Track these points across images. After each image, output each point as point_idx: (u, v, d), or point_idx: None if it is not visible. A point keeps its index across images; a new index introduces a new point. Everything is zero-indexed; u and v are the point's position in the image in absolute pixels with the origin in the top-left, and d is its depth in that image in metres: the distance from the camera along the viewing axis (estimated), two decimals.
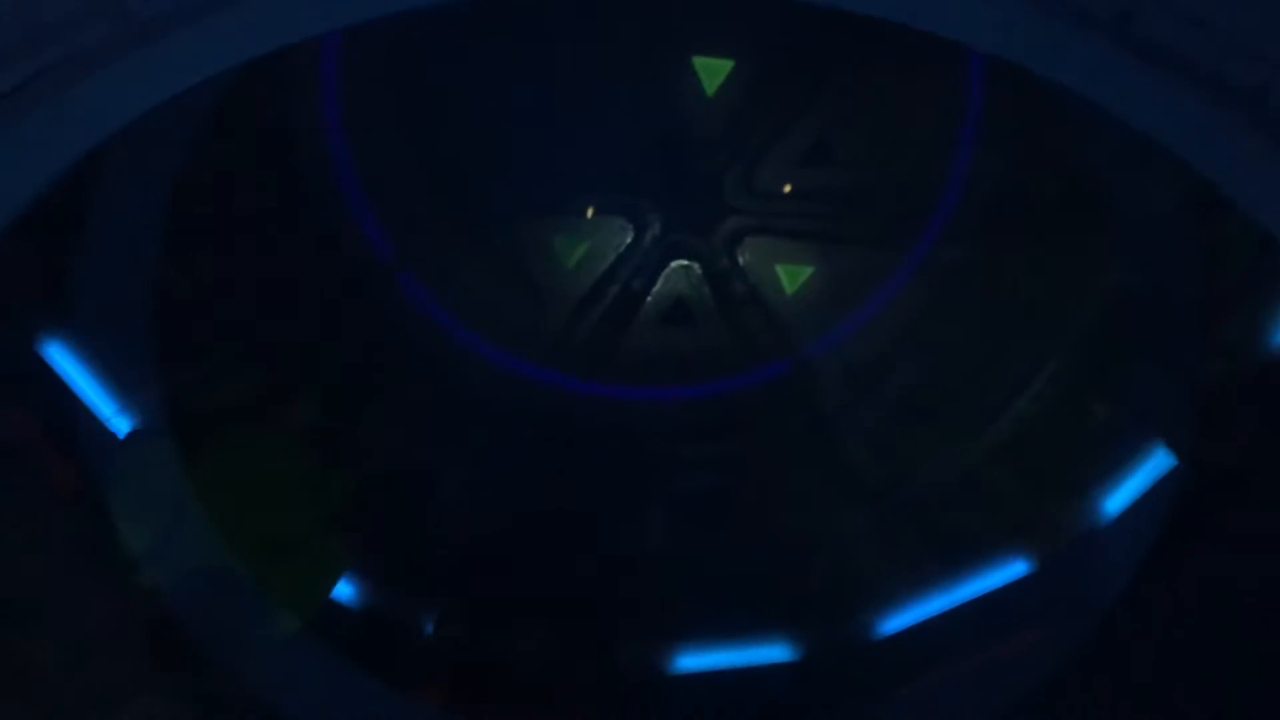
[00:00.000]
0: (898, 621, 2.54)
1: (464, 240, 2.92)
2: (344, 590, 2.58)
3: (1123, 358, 2.58)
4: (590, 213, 2.96)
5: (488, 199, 2.89)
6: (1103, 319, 2.64)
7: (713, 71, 2.92)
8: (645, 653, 2.56)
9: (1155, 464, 2.40)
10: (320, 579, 2.63)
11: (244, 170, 2.62)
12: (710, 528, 2.81)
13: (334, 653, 2.48)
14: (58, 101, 1.45)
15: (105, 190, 2.37)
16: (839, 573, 2.70)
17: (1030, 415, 2.68)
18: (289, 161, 2.75)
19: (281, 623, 2.52)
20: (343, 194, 2.79)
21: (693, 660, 2.55)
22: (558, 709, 2.44)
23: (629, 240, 2.99)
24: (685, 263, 3.00)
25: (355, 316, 2.84)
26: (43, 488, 2.29)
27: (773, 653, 2.53)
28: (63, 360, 2.37)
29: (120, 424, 2.38)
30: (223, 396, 2.62)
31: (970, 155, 2.86)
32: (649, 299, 2.99)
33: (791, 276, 3.01)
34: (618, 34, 2.79)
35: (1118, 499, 2.43)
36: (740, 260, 3.00)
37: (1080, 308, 2.68)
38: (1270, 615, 2.14)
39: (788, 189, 2.93)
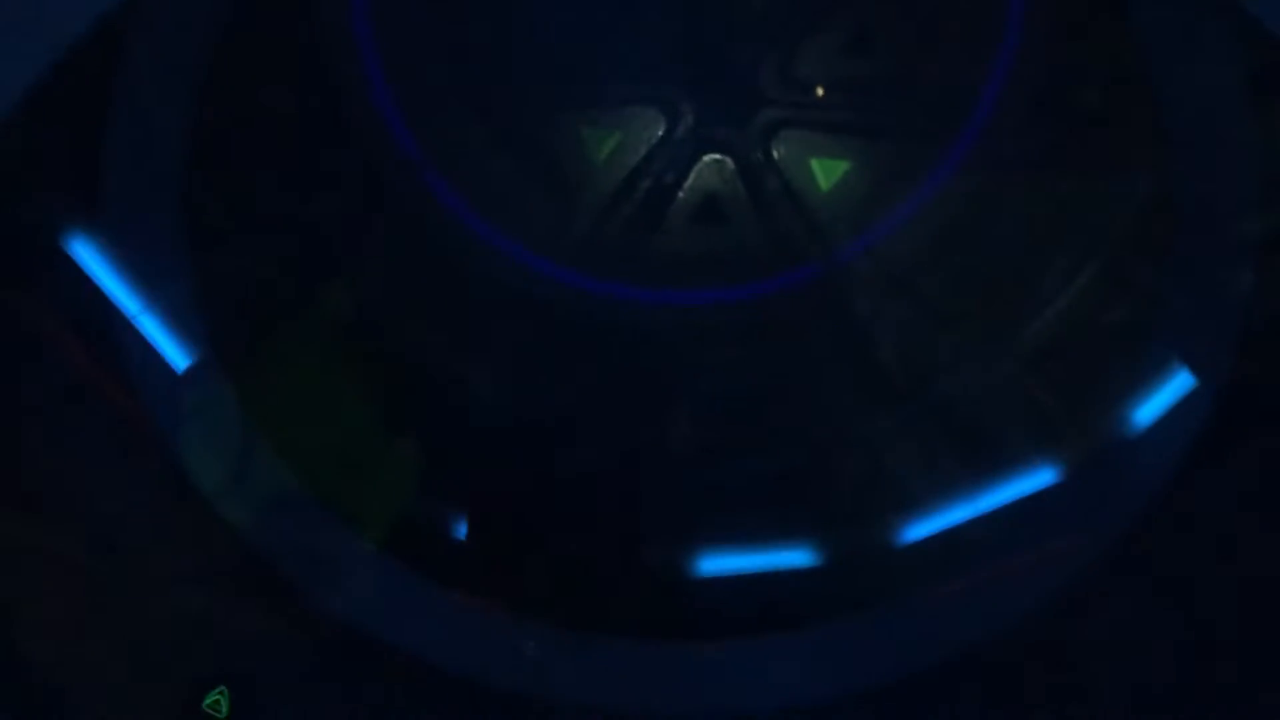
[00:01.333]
0: (923, 527, 2.56)
1: (491, 135, 2.86)
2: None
3: (1163, 268, 2.53)
4: (619, 111, 2.89)
5: (517, 93, 2.83)
6: (1146, 227, 2.57)
7: None
8: (669, 554, 2.60)
9: (1188, 378, 2.37)
10: (388, 489, 2.66)
11: (269, 64, 2.58)
12: (735, 431, 2.82)
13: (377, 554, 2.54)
14: None
15: (129, 83, 2.35)
16: (865, 477, 2.71)
17: (1064, 322, 2.64)
18: (315, 55, 2.70)
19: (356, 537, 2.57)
20: (368, 89, 2.74)
21: (716, 563, 2.59)
22: (582, 607, 2.50)
23: (660, 133, 2.92)
24: (718, 157, 2.94)
25: (380, 214, 2.82)
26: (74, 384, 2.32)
27: (797, 557, 2.56)
28: (89, 255, 2.38)
29: (146, 322, 2.39)
30: (253, 293, 2.63)
31: (1016, 46, 2.76)
32: (680, 195, 2.94)
33: (827, 172, 2.94)
34: None
35: (1149, 410, 2.41)
36: (775, 154, 2.93)
37: (1123, 213, 2.61)
38: None
39: (821, 85, 2.84)
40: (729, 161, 2.93)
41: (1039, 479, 2.48)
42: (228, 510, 2.37)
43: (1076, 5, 2.67)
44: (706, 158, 2.93)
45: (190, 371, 2.44)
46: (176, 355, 2.41)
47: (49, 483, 2.17)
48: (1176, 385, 2.39)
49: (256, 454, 2.48)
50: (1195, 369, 2.37)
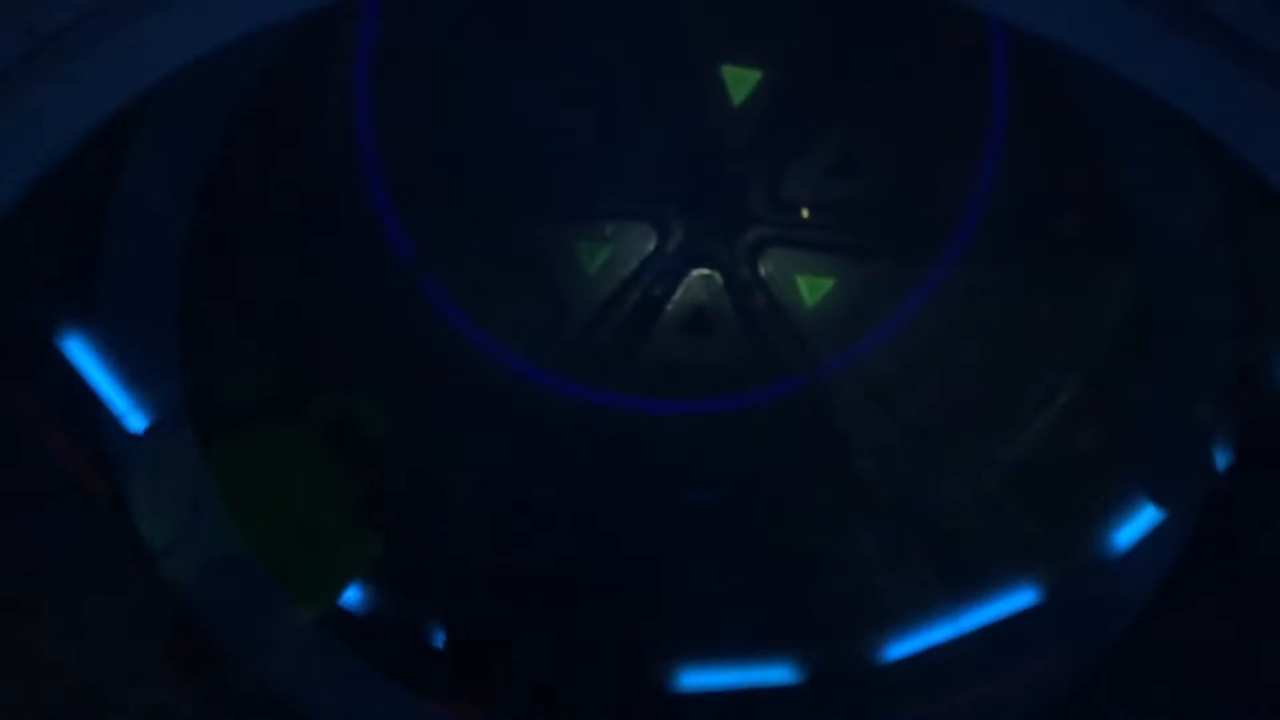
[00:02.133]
0: (904, 646, 2.54)
1: (486, 244, 2.92)
2: (354, 592, 2.60)
3: (1142, 387, 2.57)
4: (612, 225, 2.96)
5: (512, 204, 2.90)
6: (1124, 345, 2.61)
7: (741, 81, 2.91)
8: (649, 668, 2.57)
9: (1170, 499, 2.38)
10: (337, 574, 2.65)
11: (271, 171, 2.64)
12: (718, 542, 2.82)
13: (346, 650, 2.51)
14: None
15: (130, 186, 2.40)
16: (846, 593, 2.70)
17: (1043, 443, 2.67)
18: (315, 163, 2.77)
19: (297, 616, 2.56)
20: (367, 195, 2.81)
21: (697, 678, 2.56)
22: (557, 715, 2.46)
23: (651, 247, 2.99)
24: (706, 272, 3.00)
25: (375, 317, 2.85)
26: (53, 473, 2.32)
27: (777, 674, 2.54)
28: (81, 353, 2.40)
29: (135, 420, 2.41)
30: (241, 394, 2.64)
31: (995, 173, 2.84)
32: (669, 307, 2.99)
33: (812, 289, 3.00)
34: (647, 41, 2.78)
35: (1130, 532, 2.42)
36: (761, 271, 2.99)
37: (1102, 333, 2.66)
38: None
39: (808, 207, 2.92)
40: (717, 276, 2.99)
41: (1019, 599, 2.47)
42: (171, 568, 2.37)
43: (1056, 134, 2.74)
44: (695, 272, 2.99)
45: (150, 429, 2.44)
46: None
47: (23, 576, 2.16)
48: (1156, 509, 2.40)
49: (206, 514, 2.48)
50: (1170, 496, 2.39)
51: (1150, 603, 2.33)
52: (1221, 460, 2.33)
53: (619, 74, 2.82)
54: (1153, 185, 2.42)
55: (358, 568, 2.65)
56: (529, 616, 2.67)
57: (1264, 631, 2.19)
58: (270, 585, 2.53)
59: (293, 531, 2.61)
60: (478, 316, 2.90)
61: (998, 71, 2.74)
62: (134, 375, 2.44)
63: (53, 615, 2.16)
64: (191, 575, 2.44)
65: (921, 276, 2.89)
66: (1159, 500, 2.41)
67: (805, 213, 2.93)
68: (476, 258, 2.92)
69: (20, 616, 2.10)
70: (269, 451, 2.67)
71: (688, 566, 2.77)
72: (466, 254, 2.91)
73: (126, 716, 2.17)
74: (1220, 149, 1.67)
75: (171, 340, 2.55)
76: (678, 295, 3.00)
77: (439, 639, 2.63)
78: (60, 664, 2.14)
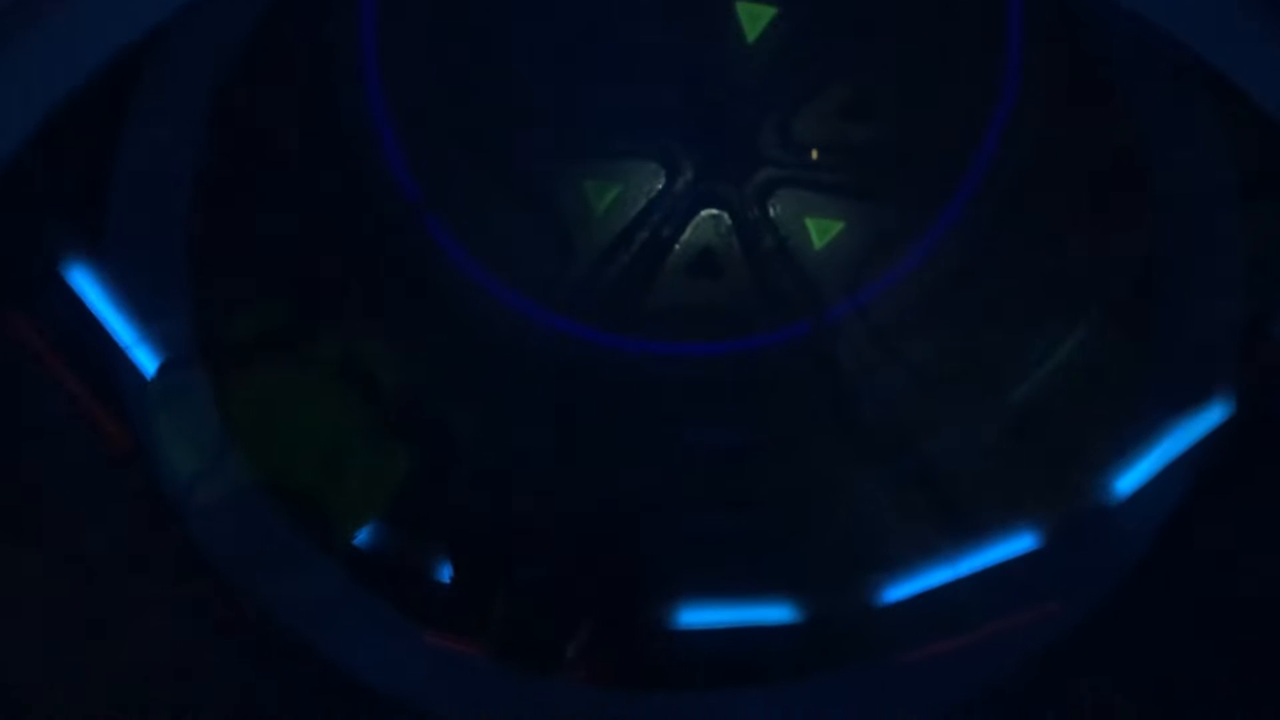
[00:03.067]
0: (902, 589, 2.57)
1: (493, 183, 2.91)
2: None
3: (1149, 333, 2.56)
4: (621, 164, 2.93)
5: (520, 142, 2.88)
6: (1132, 292, 2.61)
7: (755, 17, 2.87)
8: (650, 605, 2.60)
9: (1172, 446, 2.39)
10: (358, 506, 2.68)
11: (278, 108, 2.62)
12: (720, 485, 2.84)
13: (354, 584, 2.55)
14: None
15: (141, 116, 2.39)
16: (847, 535, 2.73)
17: (1048, 389, 2.67)
18: (322, 99, 2.75)
19: (311, 550, 2.59)
20: (375, 132, 2.79)
21: (696, 615, 2.59)
22: (558, 653, 2.50)
23: (660, 187, 2.97)
24: (715, 212, 2.98)
25: (379, 256, 2.85)
26: (58, 405, 2.34)
27: (776, 613, 2.57)
28: (88, 285, 2.41)
29: (142, 354, 2.42)
30: (249, 328, 2.65)
31: (1008, 115, 2.81)
32: (677, 248, 2.98)
33: (821, 231, 2.99)
34: None
35: (1129, 479, 2.43)
36: (771, 212, 2.98)
37: (1109, 283, 2.65)
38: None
39: (819, 148, 2.89)
40: (726, 217, 2.97)
41: (1018, 544, 2.49)
42: (193, 503, 2.40)
43: (1070, 80, 2.71)
44: (704, 212, 2.97)
45: (162, 366, 2.45)
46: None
47: (30, 503, 2.19)
48: (1157, 456, 2.41)
49: (228, 450, 2.50)
50: (1176, 439, 2.40)
51: (1150, 549, 2.35)
52: (1225, 410, 2.34)
53: (631, 8, 2.78)
54: (1166, 132, 2.40)
55: (378, 500, 2.68)
56: (529, 553, 2.70)
57: (1263, 578, 2.22)
58: (279, 518, 2.56)
59: (309, 464, 2.64)
60: (483, 256, 2.90)
61: (1014, 15, 2.70)
62: (142, 309, 2.45)
63: (55, 548, 2.20)
64: (206, 510, 2.47)
65: (931, 220, 2.88)
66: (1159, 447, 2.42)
67: (815, 154, 2.91)
68: (483, 197, 2.91)
69: (22, 549, 2.14)
70: (279, 386, 2.68)
71: (689, 506, 2.80)
72: (473, 193, 2.90)
73: (131, 649, 2.21)
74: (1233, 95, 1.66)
75: (180, 273, 2.56)
76: (686, 235, 2.98)
77: (443, 574, 2.66)
78: (63, 597, 2.18)
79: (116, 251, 2.45)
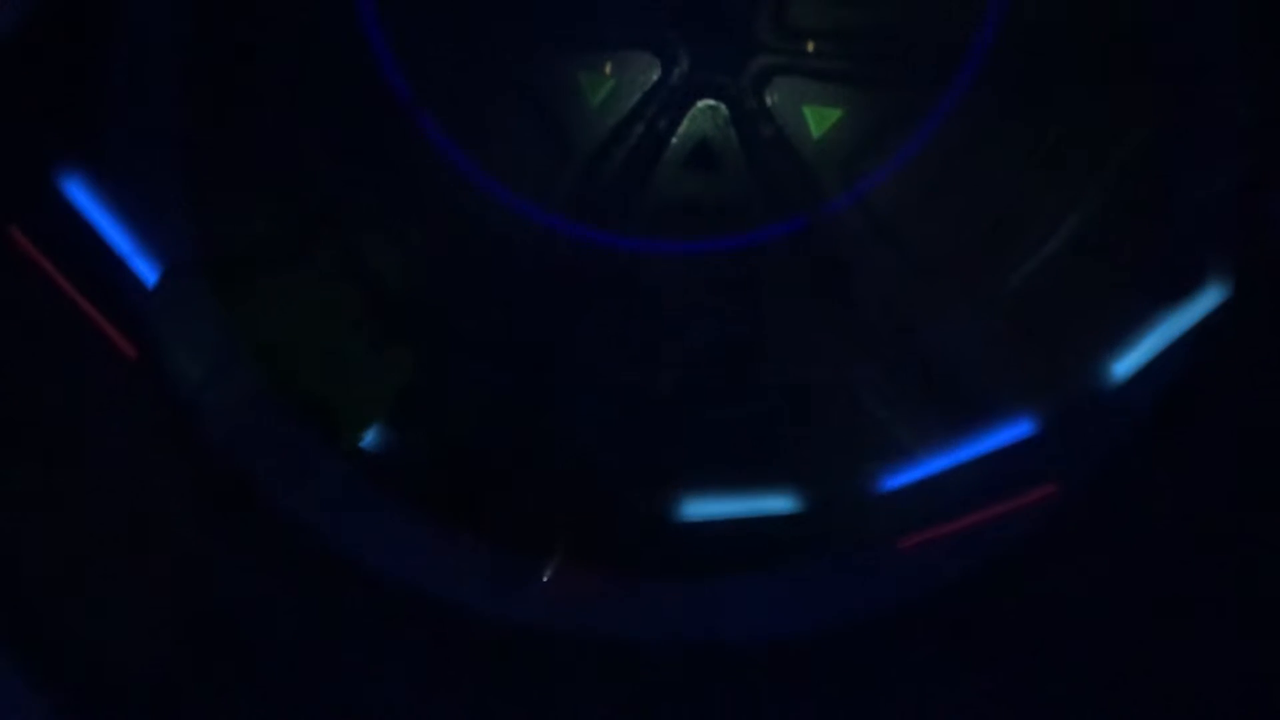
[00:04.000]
0: (902, 476, 2.61)
1: (484, 78, 2.86)
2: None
3: (1148, 219, 2.56)
4: (615, 55, 2.88)
5: (512, 33, 2.83)
6: (1132, 180, 2.59)
7: None
8: (649, 498, 2.65)
9: (1167, 331, 2.40)
10: (366, 404, 2.72)
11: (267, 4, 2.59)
12: (719, 377, 2.86)
13: (367, 483, 2.61)
14: None
15: (131, 19, 2.37)
16: (846, 425, 2.76)
17: (1047, 274, 2.67)
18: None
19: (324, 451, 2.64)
20: (363, 30, 2.74)
21: (698, 507, 2.64)
22: (560, 550, 2.56)
23: (655, 78, 2.92)
24: (712, 103, 2.94)
25: (370, 156, 2.83)
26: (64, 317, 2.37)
27: (776, 503, 2.62)
28: (82, 195, 2.41)
29: (141, 264, 2.43)
30: (246, 233, 2.66)
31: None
32: (673, 141, 2.94)
33: (819, 120, 2.94)
34: None
35: (1126, 363, 2.45)
36: (768, 101, 2.93)
37: (1110, 166, 2.63)
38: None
39: (816, 33, 2.84)
40: (723, 108, 2.93)
41: (1015, 430, 2.52)
42: (205, 409, 2.45)
43: None
44: (700, 103, 2.93)
45: (170, 270, 2.47)
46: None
47: (33, 414, 2.23)
48: (1154, 340, 2.43)
49: (236, 354, 2.54)
50: (1173, 322, 2.41)
51: (1145, 432, 2.38)
52: (1220, 294, 2.34)
53: None
54: (1169, 13, 2.36)
55: (385, 397, 2.72)
56: (528, 449, 2.74)
57: (1256, 460, 2.25)
58: (295, 420, 2.60)
59: (317, 365, 2.68)
60: (478, 154, 2.87)
61: None
62: (138, 218, 2.45)
63: (71, 461, 2.24)
64: (215, 414, 2.51)
65: (930, 106, 2.83)
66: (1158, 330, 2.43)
67: (811, 45, 2.86)
68: (475, 93, 2.87)
69: (35, 465, 2.18)
70: (281, 291, 2.70)
71: (688, 400, 2.83)
72: (465, 90, 2.86)
73: (154, 562, 2.27)
74: None
75: (175, 180, 2.56)
76: (682, 128, 2.94)
77: (444, 471, 2.71)
78: (83, 509, 2.23)
79: (110, 160, 2.45)
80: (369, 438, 2.68)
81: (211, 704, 2.18)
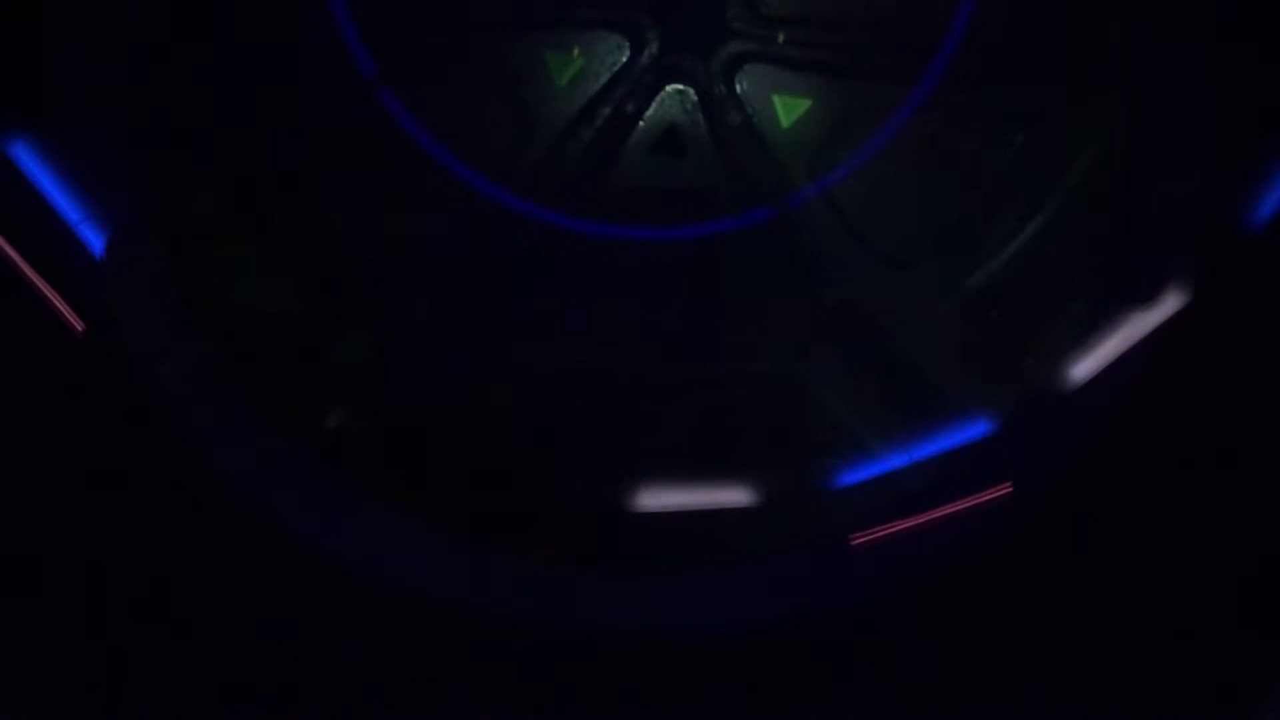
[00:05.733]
0: (859, 473, 2.61)
1: (450, 53, 2.81)
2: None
3: (1111, 222, 2.57)
4: (584, 35, 2.84)
5: (479, 8, 2.79)
6: (1096, 182, 2.60)
7: None
8: (602, 487, 2.63)
9: (1128, 335, 2.41)
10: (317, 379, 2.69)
11: None
12: (679, 365, 2.84)
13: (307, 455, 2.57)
14: None
15: None
16: (804, 418, 2.75)
17: (1008, 272, 2.68)
18: None
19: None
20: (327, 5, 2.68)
21: (651, 499, 2.62)
22: (514, 537, 2.54)
23: (624, 60, 2.88)
24: (681, 88, 2.91)
25: (331, 127, 2.77)
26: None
27: (730, 495, 2.61)
28: (30, 160, 2.34)
29: (87, 231, 2.37)
30: (197, 200, 2.60)
31: None
32: (640, 124, 2.91)
33: (788, 109, 2.92)
34: None
35: (1086, 365, 2.46)
36: (738, 88, 2.91)
37: (1075, 167, 2.64)
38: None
39: (788, 21, 2.81)
40: (691, 93, 2.90)
41: (973, 430, 2.53)
42: (153, 378, 2.40)
43: None
44: (669, 88, 2.90)
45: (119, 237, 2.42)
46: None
47: None
48: (1114, 343, 2.44)
49: (186, 324, 2.50)
50: (1133, 326, 2.43)
51: (1100, 437, 2.40)
52: (1182, 296, 2.36)
53: None
54: (1136, 15, 2.36)
55: (337, 378, 2.69)
56: (481, 432, 2.72)
57: (1210, 464, 2.27)
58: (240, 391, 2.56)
59: (273, 338, 2.63)
60: (438, 131, 2.81)
61: None
62: (87, 183, 2.39)
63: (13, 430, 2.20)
64: (166, 383, 2.47)
65: (900, 100, 2.82)
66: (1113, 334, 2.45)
67: (783, 31, 2.83)
68: (440, 70, 2.81)
69: None
70: (237, 260, 2.66)
71: (644, 388, 2.81)
72: (430, 66, 2.81)
73: (90, 523, 2.23)
74: None
75: (126, 147, 2.49)
76: (650, 112, 2.91)
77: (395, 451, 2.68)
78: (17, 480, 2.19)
79: (58, 125, 2.38)
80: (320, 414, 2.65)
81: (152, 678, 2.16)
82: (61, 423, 2.31)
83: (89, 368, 2.36)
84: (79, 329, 2.30)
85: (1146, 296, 2.43)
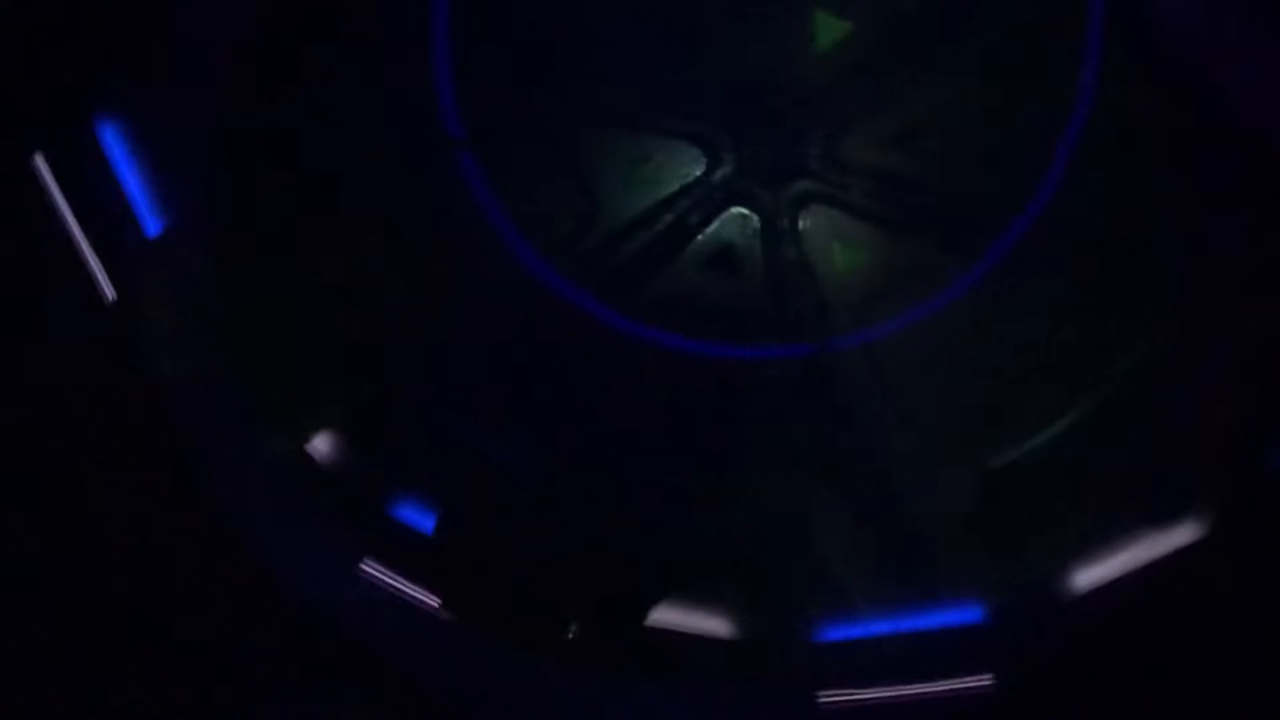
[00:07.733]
0: (844, 631, 2.56)
1: (535, 136, 2.86)
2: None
3: (1139, 435, 2.56)
4: (664, 142, 2.89)
5: (572, 96, 2.84)
6: (1129, 395, 2.60)
7: (829, 28, 2.84)
8: (587, 595, 2.61)
9: (1137, 554, 2.38)
10: (317, 412, 2.68)
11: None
12: (686, 480, 2.81)
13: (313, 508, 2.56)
14: None
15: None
16: (799, 565, 2.71)
17: (1032, 463, 2.66)
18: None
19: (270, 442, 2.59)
20: (430, 55, 2.74)
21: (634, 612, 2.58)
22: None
23: (698, 174, 2.93)
24: (745, 212, 2.94)
25: (404, 180, 2.81)
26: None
27: (711, 624, 2.57)
28: (114, 143, 2.38)
29: (154, 223, 2.41)
30: (263, 220, 2.63)
31: (1059, 182, 2.78)
32: (699, 238, 2.94)
33: (847, 257, 2.95)
34: None
35: (1089, 575, 2.43)
36: (800, 225, 2.94)
37: (1111, 376, 2.65)
38: None
39: (862, 172, 2.86)
40: (755, 219, 2.93)
41: (963, 613, 2.49)
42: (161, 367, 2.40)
43: (1117, 154, 2.71)
44: (734, 209, 2.93)
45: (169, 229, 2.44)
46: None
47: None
48: (1121, 560, 2.41)
49: (207, 325, 2.50)
50: (1145, 546, 2.40)
51: (1088, 649, 2.35)
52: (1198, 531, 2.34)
53: None
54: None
55: (338, 412, 2.67)
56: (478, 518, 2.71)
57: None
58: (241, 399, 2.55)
59: (283, 355, 2.63)
60: (503, 199, 2.84)
61: (1087, 76, 2.67)
62: (160, 171, 2.42)
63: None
64: (172, 374, 2.46)
65: (958, 270, 2.84)
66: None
67: (857, 179, 2.87)
68: (522, 144, 2.86)
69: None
70: (276, 281, 2.67)
71: (648, 499, 2.78)
72: (513, 139, 2.85)
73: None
74: None
75: (206, 149, 2.52)
76: (711, 228, 2.94)
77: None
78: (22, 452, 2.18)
79: (147, 113, 2.42)
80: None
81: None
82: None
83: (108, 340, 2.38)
84: (109, 297, 2.32)
85: (1163, 519, 2.41)
